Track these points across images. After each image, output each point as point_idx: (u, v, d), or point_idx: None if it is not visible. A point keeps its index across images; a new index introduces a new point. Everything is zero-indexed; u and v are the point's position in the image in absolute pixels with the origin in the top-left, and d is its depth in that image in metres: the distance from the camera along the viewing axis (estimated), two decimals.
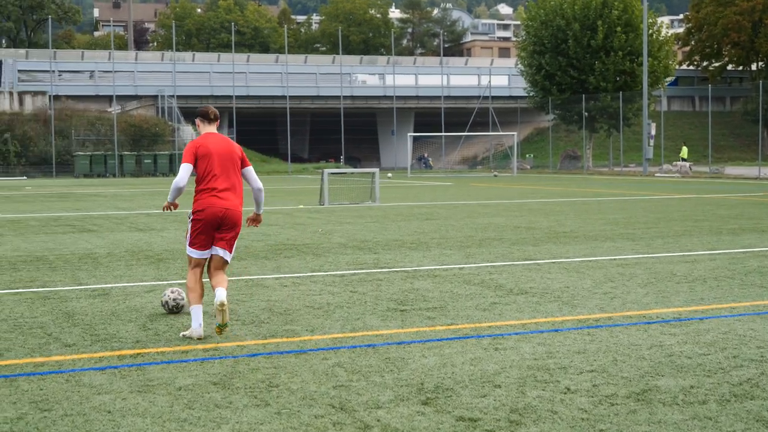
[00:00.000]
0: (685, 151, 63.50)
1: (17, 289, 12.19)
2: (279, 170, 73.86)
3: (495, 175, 63.68)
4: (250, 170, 9.43)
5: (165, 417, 6.27)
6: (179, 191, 9.17)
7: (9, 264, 14.88)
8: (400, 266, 14.10)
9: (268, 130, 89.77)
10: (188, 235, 9.26)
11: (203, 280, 9.22)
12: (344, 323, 9.53)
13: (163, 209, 9.61)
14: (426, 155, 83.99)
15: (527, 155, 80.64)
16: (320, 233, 19.75)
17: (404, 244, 17.45)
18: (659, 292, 11.29)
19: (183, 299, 10.27)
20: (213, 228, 9.11)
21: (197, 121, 9.49)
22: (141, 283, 12.54)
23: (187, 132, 73.99)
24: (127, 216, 25.70)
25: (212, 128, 9.43)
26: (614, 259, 14.73)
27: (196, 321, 8.89)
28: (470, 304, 10.62)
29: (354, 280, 12.62)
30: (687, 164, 61.31)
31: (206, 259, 9.23)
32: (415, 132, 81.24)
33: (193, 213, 9.17)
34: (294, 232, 20.01)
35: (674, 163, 64.15)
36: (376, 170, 31.92)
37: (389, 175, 62.72)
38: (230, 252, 9.24)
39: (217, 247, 9.17)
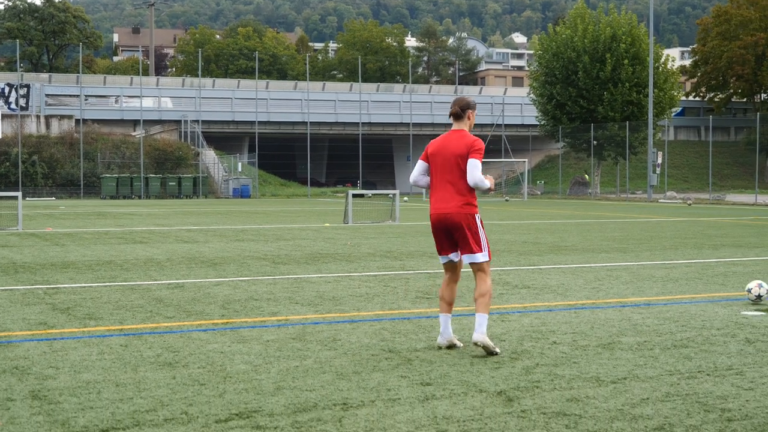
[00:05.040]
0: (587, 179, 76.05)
1: (104, 282, 14.67)
2: (298, 194, 76.63)
3: (506, 200, 66.07)
4: (470, 163, 8.80)
5: (264, 355, 8.74)
6: (416, 185, 9.40)
7: (86, 266, 17.36)
8: (423, 269, 16.59)
9: (287, 155, 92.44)
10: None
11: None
12: (383, 305, 12.01)
13: None
14: None
15: (538, 181, 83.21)
16: (349, 245, 22.24)
17: (425, 254, 19.96)
18: (637, 287, 13.80)
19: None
20: (443, 233, 9.08)
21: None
22: (208, 280, 15.03)
23: (209, 156, 76.59)
24: (170, 231, 28.20)
25: (457, 125, 9.13)
26: (605, 265, 17.24)
27: (442, 331, 9.10)
28: None
29: (386, 278, 15.12)
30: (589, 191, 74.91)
31: (448, 263, 9.19)
32: None
33: None
34: (326, 244, 22.52)
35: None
36: (396, 192, 34.46)
37: (405, 198, 65.12)
38: (474, 253, 8.94)
39: (460, 253, 9.08)
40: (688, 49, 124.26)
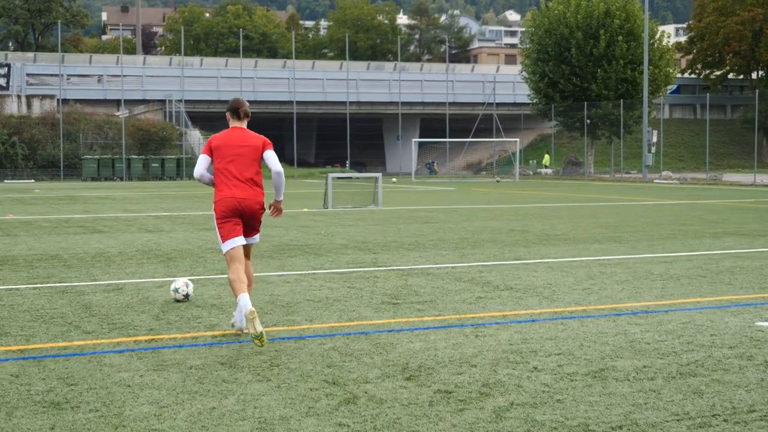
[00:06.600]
0: (547, 159, 76.64)
1: (36, 284, 13.05)
2: (285, 174, 74.57)
3: (497, 181, 64.54)
4: (269, 153, 9.37)
5: (178, 390, 7.13)
6: (201, 180, 9.48)
7: (25, 262, 15.76)
8: (397, 265, 14.97)
9: (275, 135, 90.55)
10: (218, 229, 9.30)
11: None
12: (341, 314, 10.39)
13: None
14: (432, 161, 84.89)
15: (530, 161, 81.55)
16: (323, 235, 20.63)
17: (402, 245, 18.34)
18: (634, 288, 12.17)
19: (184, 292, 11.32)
20: (235, 217, 9.21)
21: (227, 114, 9.46)
22: (153, 279, 13.41)
23: (194, 136, 74.88)
24: (137, 218, 26.59)
25: (241, 124, 9.43)
26: (598, 259, 15.62)
27: (245, 305, 8.75)
28: (458, 298, 11.48)
29: (352, 277, 13.49)
30: (549, 171, 75.03)
31: (239, 248, 9.17)
32: (420, 138, 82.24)
33: (214, 204, 9.35)
34: (297, 234, 20.90)
35: (538, 170, 76.02)
36: (378, 175, 32.82)
37: (393, 179, 63.61)
38: (256, 234, 9.56)
39: (245, 235, 9.36)
40: (683, 25, 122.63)
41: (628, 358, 8.09)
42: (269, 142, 9.51)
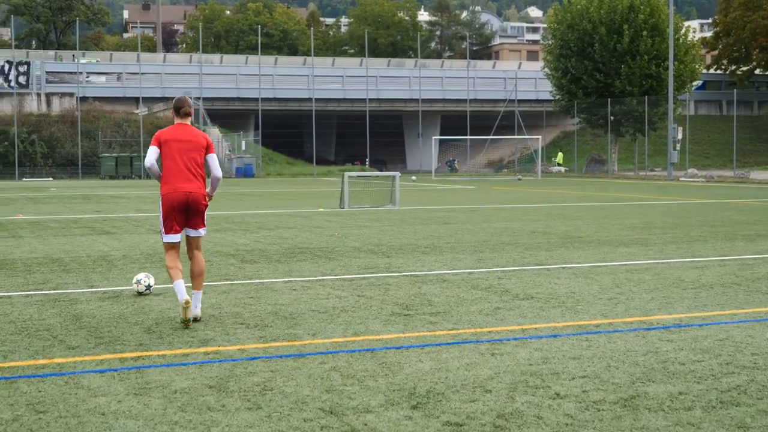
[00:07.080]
0: (560, 157, 76.42)
1: (29, 291, 12.34)
2: (304, 172, 74.08)
3: (519, 179, 63.66)
4: (213, 157, 10.26)
5: (157, 420, 6.37)
6: (151, 169, 10.06)
7: (24, 266, 15.06)
8: (411, 270, 14.19)
9: (294, 133, 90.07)
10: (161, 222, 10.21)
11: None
12: (346, 327, 9.62)
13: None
14: (453, 159, 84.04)
15: (552, 158, 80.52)
16: (336, 237, 19.87)
17: (418, 248, 17.55)
18: (664, 298, 11.35)
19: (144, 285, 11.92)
20: (183, 211, 10.02)
21: (171, 112, 10.35)
22: (153, 286, 12.64)
23: (213, 134, 74.15)
24: (148, 218, 25.89)
25: (185, 121, 10.23)
26: (625, 264, 14.78)
27: (180, 294, 9.74)
28: (474, 308, 10.69)
29: (363, 284, 12.72)
30: (561, 169, 75.07)
31: (176, 243, 10.14)
32: (440, 135, 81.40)
33: (161, 196, 10.12)
34: (310, 236, 20.14)
35: (550, 168, 75.43)
36: (396, 174, 32.02)
37: (413, 178, 62.78)
38: (200, 228, 10.25)
39: (191, 228, 10.20)
40: (708, 21, 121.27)
41: (661, 382, 7.27)
42: (212, 143, 10.40)
